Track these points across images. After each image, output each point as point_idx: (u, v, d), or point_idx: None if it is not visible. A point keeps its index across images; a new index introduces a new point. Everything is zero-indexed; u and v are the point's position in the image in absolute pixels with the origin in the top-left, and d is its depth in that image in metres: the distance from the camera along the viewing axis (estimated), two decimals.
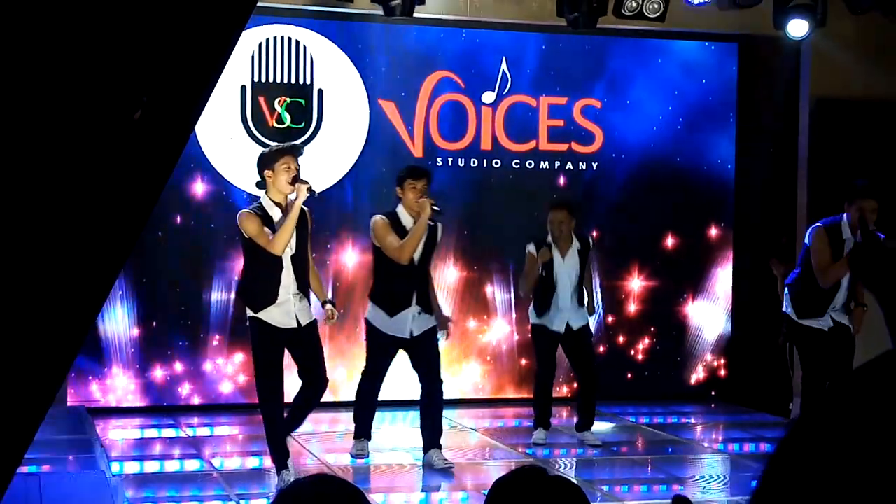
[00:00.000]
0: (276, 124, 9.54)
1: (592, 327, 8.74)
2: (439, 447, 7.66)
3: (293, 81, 9.59)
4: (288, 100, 9.57)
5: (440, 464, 7.58)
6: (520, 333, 9.98)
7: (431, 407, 7.64)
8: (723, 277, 10.52)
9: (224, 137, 9.40)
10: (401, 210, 7.65)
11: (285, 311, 6.98)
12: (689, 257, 10.44)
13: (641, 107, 10.26)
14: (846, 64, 9.95)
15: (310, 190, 6.90)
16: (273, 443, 7.01)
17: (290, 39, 9.59)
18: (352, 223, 9.73)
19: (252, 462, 7.91)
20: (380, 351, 7.72)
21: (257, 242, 6.90)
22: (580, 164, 10.16)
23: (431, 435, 7.66)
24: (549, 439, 8.48)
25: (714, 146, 10.44)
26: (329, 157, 9.65)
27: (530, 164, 10.09)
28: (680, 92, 10.32)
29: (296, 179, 6.94)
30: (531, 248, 8.33)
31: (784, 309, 8.05)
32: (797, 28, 9.36)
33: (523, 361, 10.03)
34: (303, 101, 9.60)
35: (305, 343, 7.07)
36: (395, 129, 9.80)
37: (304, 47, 9.61)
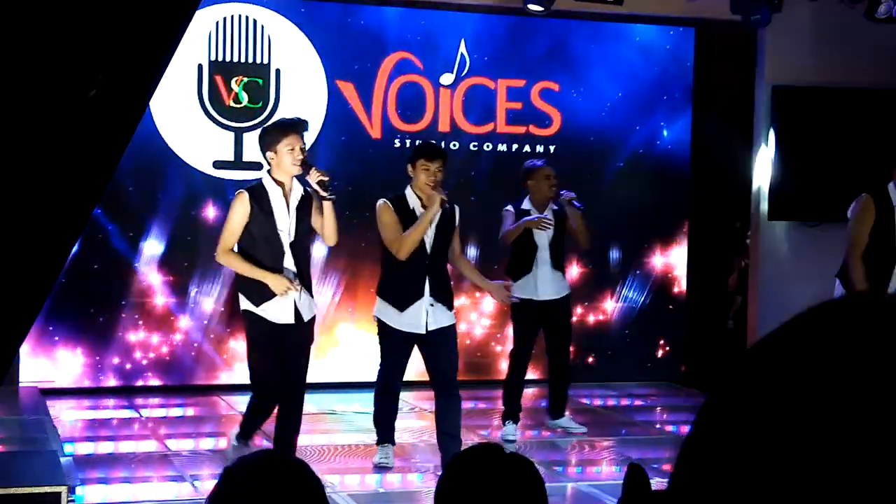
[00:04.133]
0: (233, 104, 9.47)
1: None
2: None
3: (251, 61, 9.53)
4: (245, 79, 9.50)
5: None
6: (479, 315, 9.99)
7: (447, 421, 6.80)
8: (678, 261, 10.57)
9: (180, 116, 9.31)
10: (409, 192, 6.80)
11: (284, 305, 6.25)
12: (644, 240, 10.48)
13: (599, 90, 10.28)
14: (802, 50, 10.02)
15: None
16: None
17: (247, 18, 9.52)
18: None
19: (206, 443, 7.88)
20: (394, 351, 6.87)
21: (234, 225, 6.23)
22: (538, 146, 10.16)
23: (449, 443, 6.75)
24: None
25: (670, 130, 10.48)
26: None
27: (488, 146, 10.08)
28: (637, 76, 10.34)
29: (304, 164, 6.23)
30: (510, 207, 8.06)
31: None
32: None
33: (479, 344, 10.04)
34: (260, 81, 9.54)
35: (296, 342, 6.32)
36: (353, 110, 9.76)
37: (262, 27, 9.55)
